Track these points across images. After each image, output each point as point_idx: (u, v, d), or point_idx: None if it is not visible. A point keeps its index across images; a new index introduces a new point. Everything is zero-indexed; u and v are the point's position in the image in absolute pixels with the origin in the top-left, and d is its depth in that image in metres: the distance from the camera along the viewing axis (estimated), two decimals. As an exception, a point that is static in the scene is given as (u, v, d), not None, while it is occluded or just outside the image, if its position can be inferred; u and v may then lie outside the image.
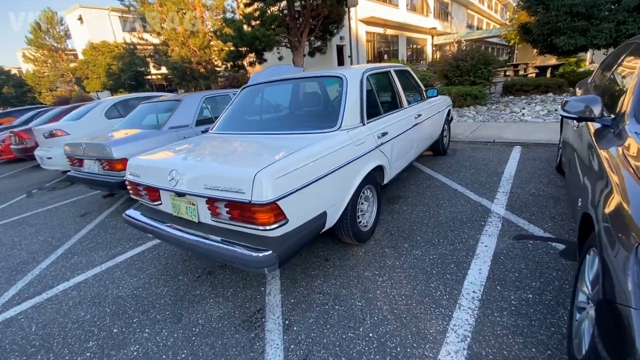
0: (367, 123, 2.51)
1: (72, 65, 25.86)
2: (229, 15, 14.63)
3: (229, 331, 1.88)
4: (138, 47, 18.98)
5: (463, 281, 2.07)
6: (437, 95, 3.94)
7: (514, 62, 20.50)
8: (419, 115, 3.42)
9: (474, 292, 1.96)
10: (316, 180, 1.90)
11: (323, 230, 2.11)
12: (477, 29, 34.14)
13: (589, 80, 3.18)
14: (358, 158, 2.28)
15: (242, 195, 1.66)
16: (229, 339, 1.83)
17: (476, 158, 4.57)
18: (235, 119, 2.91)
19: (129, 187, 2.50)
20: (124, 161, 3.51)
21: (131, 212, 2.51)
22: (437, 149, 4.66)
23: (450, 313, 1.82)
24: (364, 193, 2.53)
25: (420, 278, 2.15)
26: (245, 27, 10.54)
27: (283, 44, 11.69)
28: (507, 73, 16.01)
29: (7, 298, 2.49)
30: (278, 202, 1.66)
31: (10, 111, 11.82)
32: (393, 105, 3.10)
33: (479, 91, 8.72)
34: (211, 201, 1.85)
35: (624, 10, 6.25)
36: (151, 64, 19.26)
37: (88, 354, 1.83)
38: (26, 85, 28.27)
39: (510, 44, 20.78)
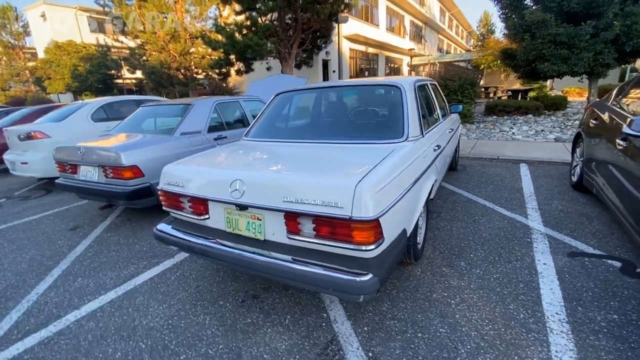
0: (425, 134, 2.41)
1: (30, 64, 23.90)
2: (210, 22, 14.34)
3: (305, 367, 1.63)
4: (112, 49, 17.96)
5: (541, 302, 1.97)
6: (462, 111, 3.97)
7: (483, 85, 21.93)
8: (452, 130, 3.40)
9: (557, 313, 1.87)
10: (405, 194, 1.73)
11: (396, 248, 1.94)
12: (446, 52, 36.44)
13: (609, 103, 3.27)
14: (426, 171, 2.16)
15: (340, 211, 1.46)
16: (308, 377, 1.58)
17: (489, 174, 4.64)
18: (275, 127, 2.69)
19: (162, 197, 2.18)
20: (134, 169, 3.14)
21: (163, 226, 2.19)
22: (450, 165, 4.68)
23: (544, 338, 1.71)
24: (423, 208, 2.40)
25: (494, 299, 2.03)
26: (236, 34, 10.31)
27: (273, 54, 11.53)
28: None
29: (1, 333, 2.02)
30: (380, 219, 1.48)
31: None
32: (435, 118, 3.05)
33: (467, 110, 9.08)
34: (291, 216, 1.62)
35: (601, 42, 6.86)
36: (125, 68, 18.23)
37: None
38: (-26, 82, 25.61)
39: (481, 68, 22.23)
